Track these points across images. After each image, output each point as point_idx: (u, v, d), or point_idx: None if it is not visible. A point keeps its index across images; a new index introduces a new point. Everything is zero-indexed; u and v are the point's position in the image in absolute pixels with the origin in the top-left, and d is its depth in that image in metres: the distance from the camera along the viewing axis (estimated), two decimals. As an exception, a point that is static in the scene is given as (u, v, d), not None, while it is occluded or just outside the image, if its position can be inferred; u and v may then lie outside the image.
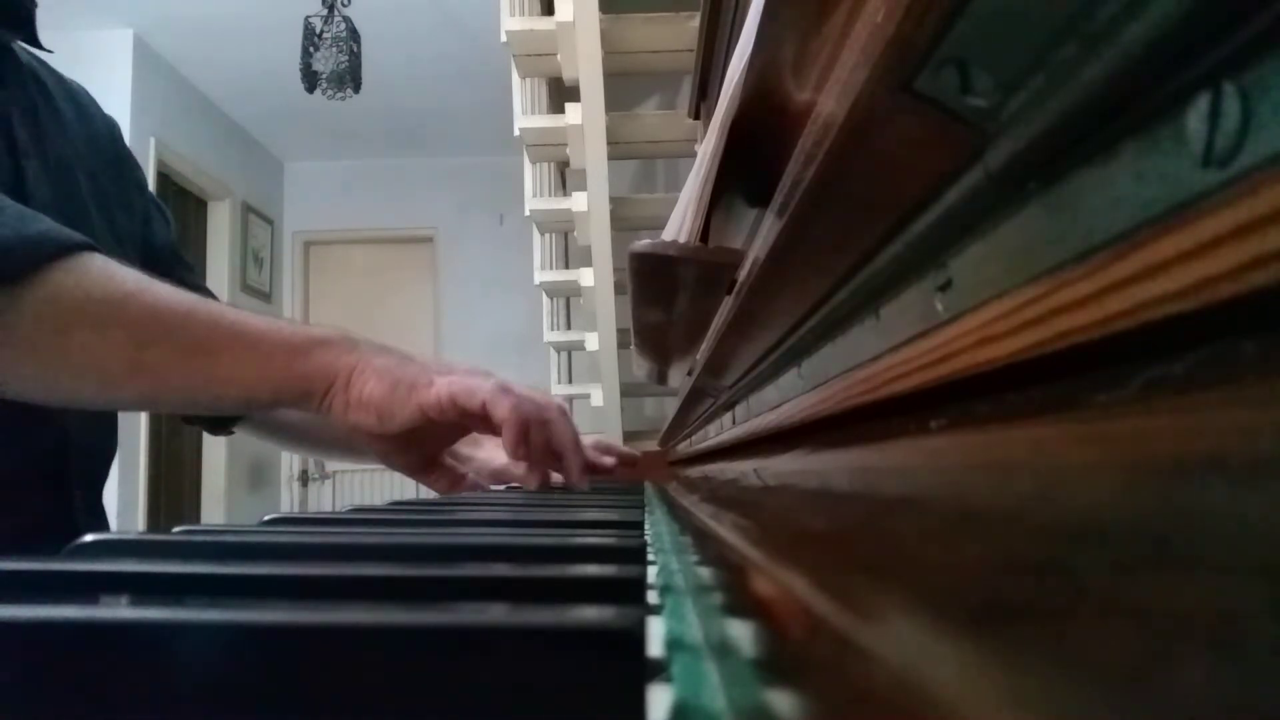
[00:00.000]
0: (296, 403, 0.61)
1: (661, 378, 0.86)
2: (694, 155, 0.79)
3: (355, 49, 2.93)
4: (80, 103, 0.79)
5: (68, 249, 0.53)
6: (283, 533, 0.34)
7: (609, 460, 0.87)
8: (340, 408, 0.61)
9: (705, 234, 0.46)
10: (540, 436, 0.68)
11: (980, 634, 0.11)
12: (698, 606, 0.24)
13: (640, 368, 0.87)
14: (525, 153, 2.55)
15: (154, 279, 0.58)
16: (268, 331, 0.60)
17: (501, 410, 0.63)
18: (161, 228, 0.86)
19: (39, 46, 0.74)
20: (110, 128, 0.82)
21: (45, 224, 0.53)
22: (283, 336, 0.60)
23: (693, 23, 1.76)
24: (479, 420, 0.64)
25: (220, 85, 4.05)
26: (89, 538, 0.27)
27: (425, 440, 0.67)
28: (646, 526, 0.45)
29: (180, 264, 0.87)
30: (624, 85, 2.67)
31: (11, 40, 0.70)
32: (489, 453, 0.91)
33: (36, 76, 0.73)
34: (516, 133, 2.43)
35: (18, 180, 0.65)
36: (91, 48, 3.46)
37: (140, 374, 0.56)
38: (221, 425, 0.87)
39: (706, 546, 0.34)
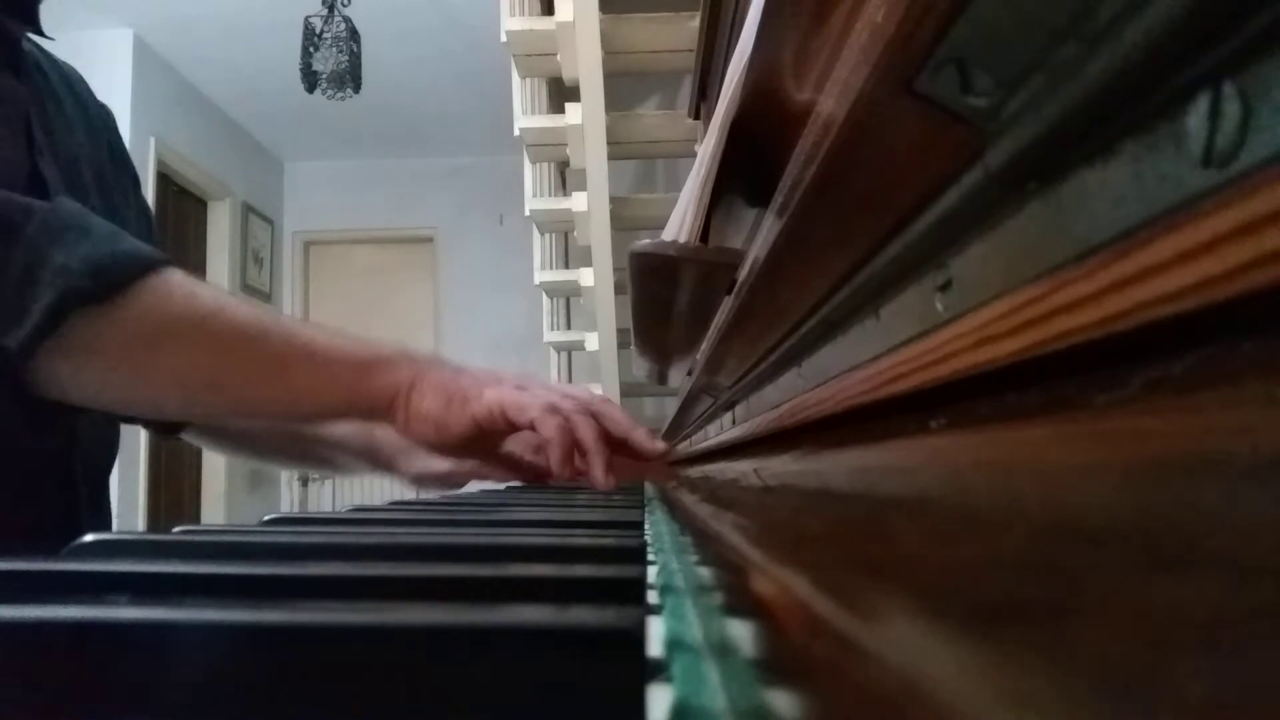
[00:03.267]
0: (363, 417, 0.65)
1: (661, 378, 0.86)
2: (694, 155, 0.79)
3: (355, 49, 2.93)
4: (76, 91, 0.77)
5: (153, 266, 0.55)
6: (283, 533, 0.34)
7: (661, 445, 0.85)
8: (401, 422, 0.64)
9: (705, 234, 0.46)
10: (589, 437, 0.70)
11: (980, 634, 0.11)
12: (698, 606, 0.24)
13: (640, 368, 0.87)
14: (525, 153, 2.55)
15: (230, 296, 0.61)
16: (337, 349, 0.63)
17: (548, 430, 0.65)
18: (145, 225, 0.85)
19: (42, 34, 0.73)
20: (105, 116, 0.81)
21: (131, 241, 0.56)
22: (351, 355, 0.63)
23: (693, 23, 1.76)
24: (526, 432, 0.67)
25: (220, 85, 4.04)
26: (89, 537, 0.27)
27: (477, 448, 0.69)
28: (646, 526, 0.45)
29: None
30: (624, 85, 2.67)
31: (24, 33, 0.70)
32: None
33: (40, 68, 0.72)
34: (516, 133, 2.43)
35: (36, 179, 0.65)
36: (91, 48, 3.45)
37: (220, 389, 0.59)
38: (166, 430, 0.85)
39: (706, 546, 0.34)
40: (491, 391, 0.66)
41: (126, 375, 0.56)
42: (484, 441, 0.68)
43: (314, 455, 0.90)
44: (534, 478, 0.77)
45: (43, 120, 0.68)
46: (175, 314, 0.56)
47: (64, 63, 0.78)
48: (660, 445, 0.73)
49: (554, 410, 0.66)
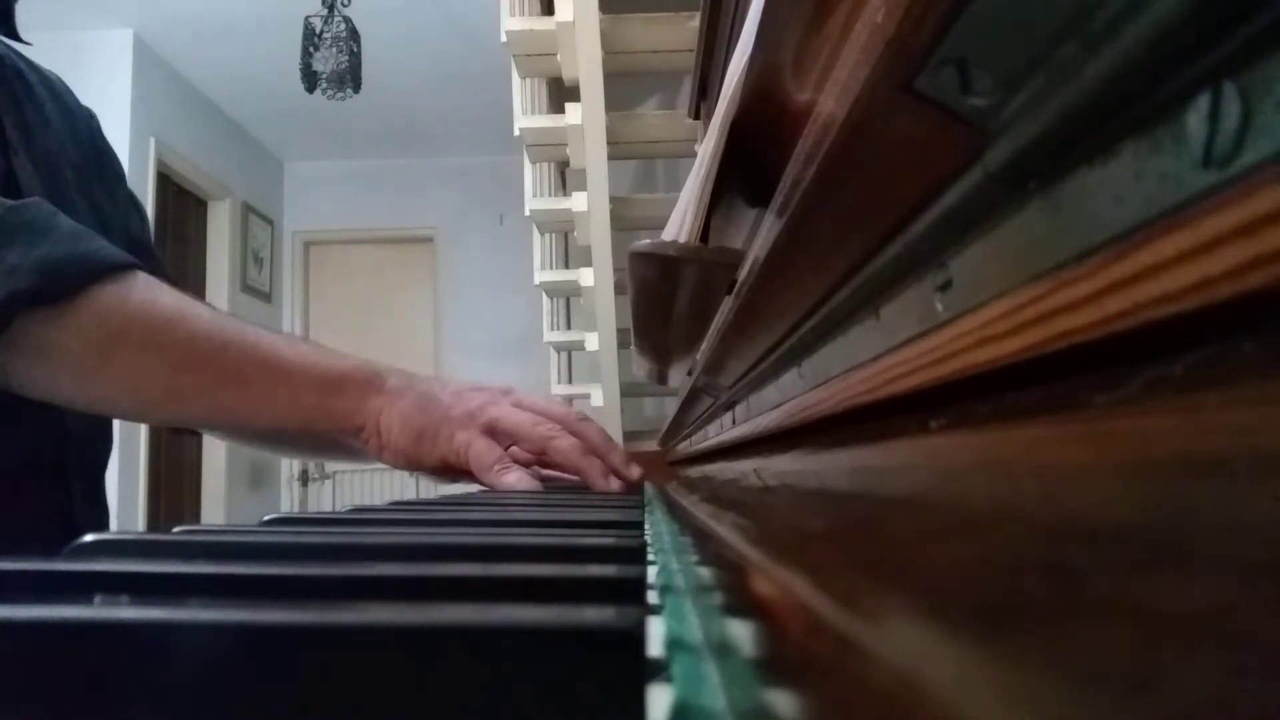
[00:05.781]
0: (327, 434, 0.64)
1: (661, 378, 0.86)
2: (694, 155, 0.79)
3: (355, 49, 2.93)
4: (58, 93, 0.78)
5: (115, 268, 0.54)
6: (283, 533, 0.34)
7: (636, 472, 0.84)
8: (374, 450, 0.64)
9: (705, 234, 0.46)
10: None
11: (980, 634, 0.11)
12: (698, 606, 0.24)
13: (640, 368, 0.87)
14: (525, 153, 2.55)
15: (194, 302, 0.60)
16: (299, 365, 0.62)
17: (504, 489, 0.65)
18: (136, 220, 0.85)
19: (18, 39, 0.74)
20: (88, 119, 0.81)
21: (96, 242, 0.55)
22: (314, 372, 0.63)
23: (693, 23, 1.76)
24: None
25: (220, 85, 4.04)
26: (89, 538, 0.27)
27: (456, 472, 0.69)
28: (646, 526, 0.45)
29: (152, 257, 0.86)
30: (624, 85, 2.67)
31: None
32: None
33: (17, 70, 0.72)
34: (516, 133, 2.43)
35: (10, 178, 0.65)
36: (91, 48, 3.46)
37: (175, 398, 0.59)
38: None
39: (706, 546, 0.34)
40: (461, 435, 0.65)
41: (80, 379, 0.55)
42: (460, 470, 0.67)
43: (332, 444, 0.89)
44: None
45: (19, 120, 0.68)
46: (131, 320, 0.55)
47: (45, 69, 0.78)
48: (635, 472, 0.72)
49: (506, 473, 0.65)
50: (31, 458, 0.67)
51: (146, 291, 0.56)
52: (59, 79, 0.80)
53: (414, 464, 0.65)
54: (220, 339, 0.59)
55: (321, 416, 0.62)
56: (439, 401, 0.66)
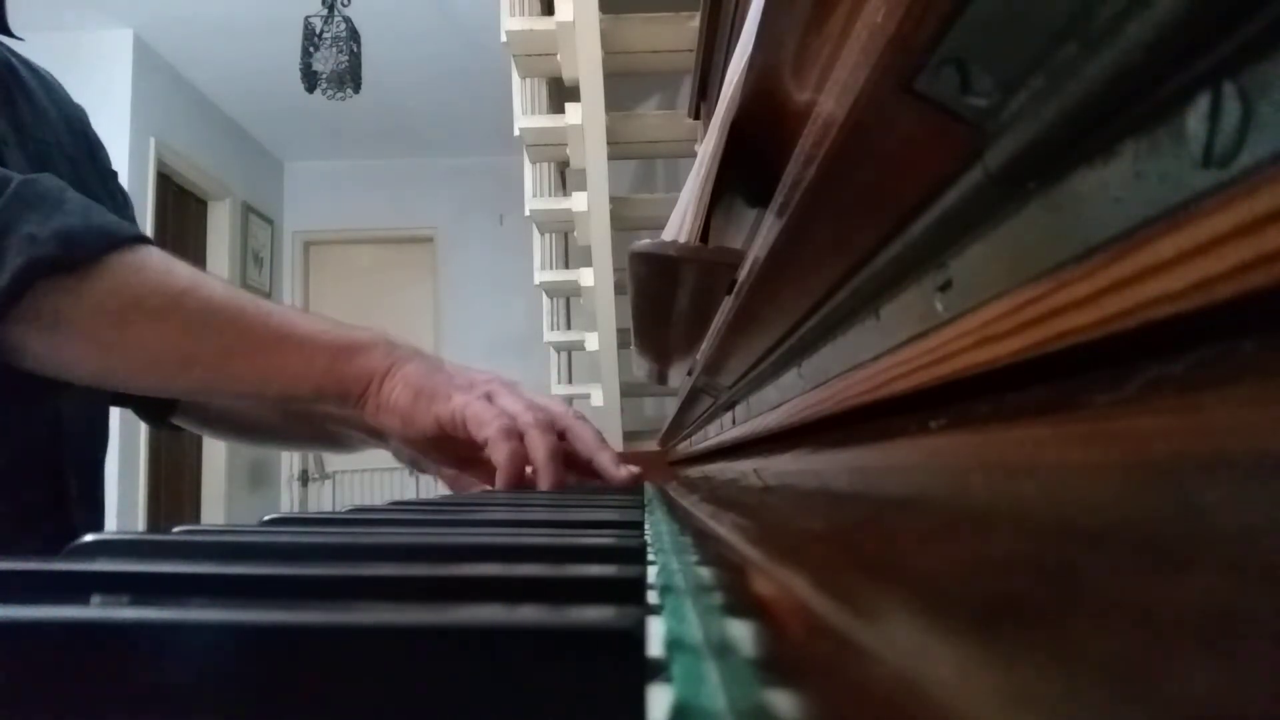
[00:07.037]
0: (334, 402, 0.64)
1: (661, 378, 0.86)
2: (694, 155, 0.79)
3: (355, 49, 2.93)
4: (52, 88, 0.78)
5: (128, 241, 0.55)
6: (283, 533, 0.34)
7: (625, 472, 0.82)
8: (371, 409, 0.64)
9: (705, 234, 0.46)
10: (551, 455, 0.67)
11: (980, 634, 0.11)
12: (698, 606, 0.24)
13: (640, 368, 0.87)
14: (525, 153, 2.55)
15: (207, 275, 0.61)
16: (313, 332, 0.63)
17: (499, 455, 0.63)
18: (130, 216, 0.85)
19: (11, 35, 0.74)
20: (80, 114, 0.82)
21: (108, 216, 0.56)
22: (327, 338, 0.63)
23: (693, 23, 1.76)
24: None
25: (220, 85, 4.04)
26: (89, 537, 0.27)
27: (449, 448, 0.68)
28: (646, 526, 0.45)
29: None
30: (624, 85, 2.67)
31: None
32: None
33: (10, 65, 0.73)
34: (516, 133, 2.43)
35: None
36: (91, 48, 3.46)
37: (193, 367, 0.59)
38: (158, 418, 0.84)
39: (706, 546, 0.34)
40: (460, 396, 0.64)
41: (97, 348, 0.56)
42: (453, 445, 0.66)
43: (324, 434, 0.88)
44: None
45: (11, 113, 0.69)
46: (148, 289, 0.56)
47: (39, 67, 0.79)
48: (624, 472, 0.70)
49: (509, 434, 0.63)
50: (29, 455, 0.67)
51: (161, 262, 0.57)
52: (52, 76, 0.80)
53: (407, 424, 0.64)
54: (235, 307, 0.59)
55: (333, 382, 0.62)
56: (444, 370, 0.67)
